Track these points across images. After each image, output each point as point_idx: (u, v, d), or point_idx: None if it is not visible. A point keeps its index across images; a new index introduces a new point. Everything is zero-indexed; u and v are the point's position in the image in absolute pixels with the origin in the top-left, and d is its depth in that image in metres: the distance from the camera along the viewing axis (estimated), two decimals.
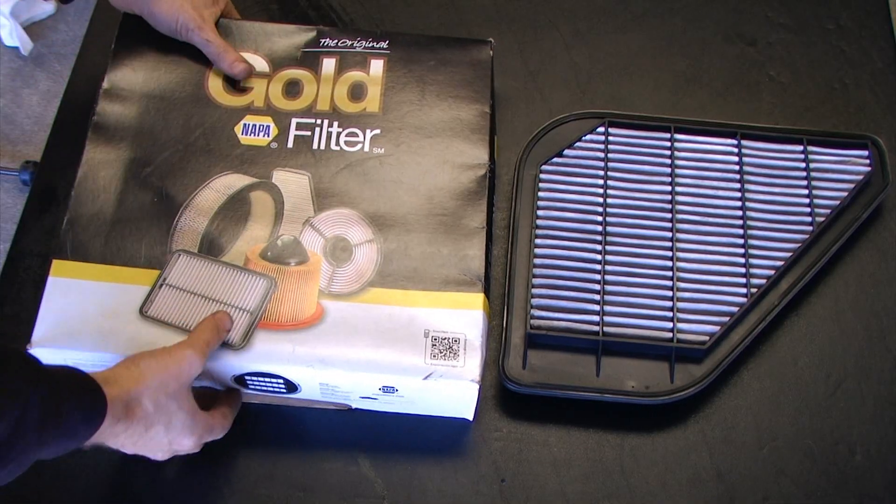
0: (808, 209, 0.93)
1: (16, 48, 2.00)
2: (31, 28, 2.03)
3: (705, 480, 0.84)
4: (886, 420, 0.87)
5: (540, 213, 0.93)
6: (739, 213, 0.93)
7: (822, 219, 0.93)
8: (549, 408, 0.87)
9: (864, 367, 0.89)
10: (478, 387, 0.79)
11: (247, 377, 0.81)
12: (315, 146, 0.88)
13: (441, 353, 0.79)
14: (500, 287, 0.92)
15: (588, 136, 0.97)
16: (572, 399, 0.86)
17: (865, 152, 0.97)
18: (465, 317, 0.80)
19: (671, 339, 0.86)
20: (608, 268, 0.90)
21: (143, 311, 0.80)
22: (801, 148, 0.97)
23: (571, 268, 0.90)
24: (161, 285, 0.81)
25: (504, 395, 0.87)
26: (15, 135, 1.93)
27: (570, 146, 0.97)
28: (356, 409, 0.85)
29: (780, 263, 0.90)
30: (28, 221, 0.96)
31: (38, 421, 0.62)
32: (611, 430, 0.86)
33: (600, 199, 0.93)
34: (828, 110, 1.04)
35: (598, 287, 0.89)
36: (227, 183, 0.87)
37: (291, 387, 0.82)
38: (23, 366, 0.64)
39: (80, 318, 0.79)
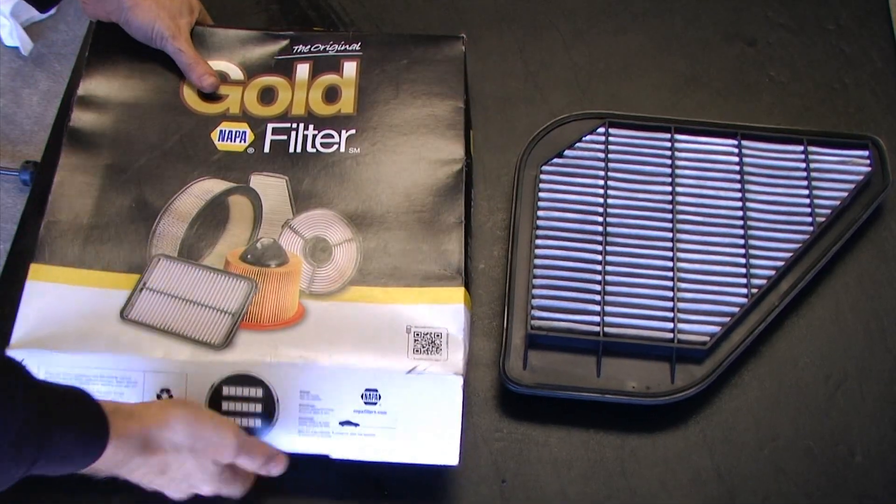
0: (808, 209, 0.93)
1: (16, 48, 2.00)
2: (31, 28, 2.03)
3: (705, 480, 0.84)
4: (886, 420, 0.87)
5: (540, 213, 0.93)
6: (740, 213, 0.93)
7: (822, 219, 0.93)
8: (549, 408, 0.87)
9: (864, 367, 0.89)
10: (462, 381, 0.78)
11: (224, 390, 0.79)
12: (291, 149, 0.89)
13: (424, 347, 0.79)
14: (501, 287, 0.92)
15: (588, 137, 0.97)
16: (573, 399, 0.86)
17: (865, 152, 0.97)
18: (447, 311, 0.80)
19: (672, 340, 0.86)
20: (609, 268, 0.90)
21: (123, 315, 0.80)
22: (801, 148, 0.97)
23: (572, 268, 0.90)
24: (142, 289, 0.82)
25: (504, 395, 0.87)
26: (15, 135, 1.93)
27: (571, 146, 0.97)
28: (335, 459, 0.80)
29: (780, 264, 0.90)
30: (28, 221, 0.96)
31: (14, 438, 0.61)
32: (611, 431, 0.86)
33: (601, 200, 0.93)
34: (828, 110, 1.04)
35: (598, 287, 0.89)
36: (205, 188, 0.87)
37: (269, 408, 0.79)
38: (12, 381, 0.63)
39: (60, 320, 0.80)
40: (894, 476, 0.84)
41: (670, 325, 0.87)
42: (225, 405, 0.79)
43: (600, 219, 0.92)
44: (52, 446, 0.64)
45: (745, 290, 0.89)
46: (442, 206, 0.86)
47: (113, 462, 0.69)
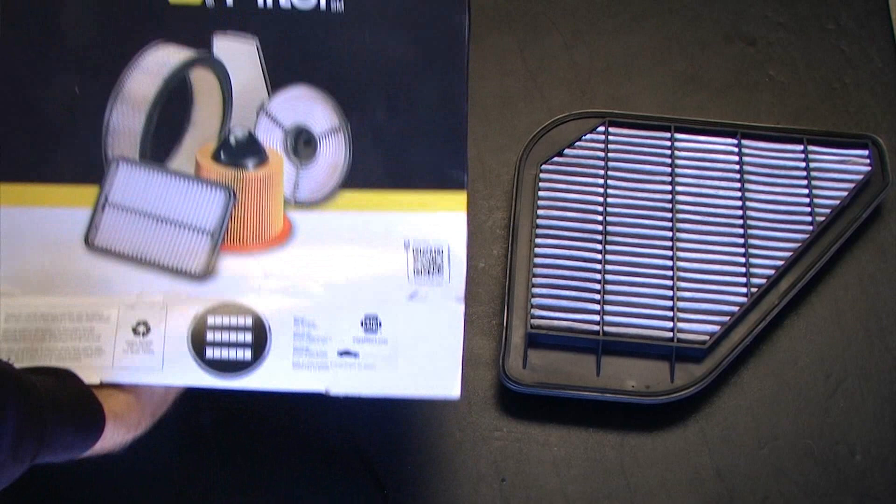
0: (808, 209, 0.93)
1: None
2: None
3: (705, 480, 0.84)
4: (886, 420, 0.87)
5: (540, 212, 0.93)
6: (739, 212, 0.93)
7: (822, 218, 0.93)
8: (549, 407, 0.87)
9: (864, 367, 0.89)
10: (463, 308, 0.72)
11: (209, 320, 0.71)
12: (261, 3, 0.74)
13: (424, 268, 0.72)
14: (501, 286, 0.92)
15: (588, 136, 0.97)
16: (572, 399, 0.86)
17: (865, 152, 0.97)
18: (447, 220, 0.73)
19: (671, 339, 0.86)
20: (608, 267, 0.90)
21: (88, 241, 0.71)
22: (801, 148, 0.97)
23: (572, 267, 0.90)
24: (104, 206, 0.71)
25: (504, 394, 0.87)
26: None
27: (571, 146, 0.97)
28: (334, 395, 0.74)
29: (780, 263, 0.90)
30: None
31: (11, 443, 0.59)
32: (611, 430, 0.86)
33: (600, 199, 0.93)
34: (828, 110, 1.04)
35: (598, 287, 0.89)
36: (159, 60, 0.73)
37: (260, 339, 0.71)
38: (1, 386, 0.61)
39: (18, 254, 0.70)
40: (894, 476, 0.84)
41: (670, 324, 0.87)
42: (210, 336, 0.71)
43: (600, 218, 0.92)
44: (51, 442, 0.63)
45: (744, 290, 0.89)
46: (439, 83, 0.75)
47: (112, 440, 0.68)
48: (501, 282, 0.92)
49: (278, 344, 0.71)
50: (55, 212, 0.71)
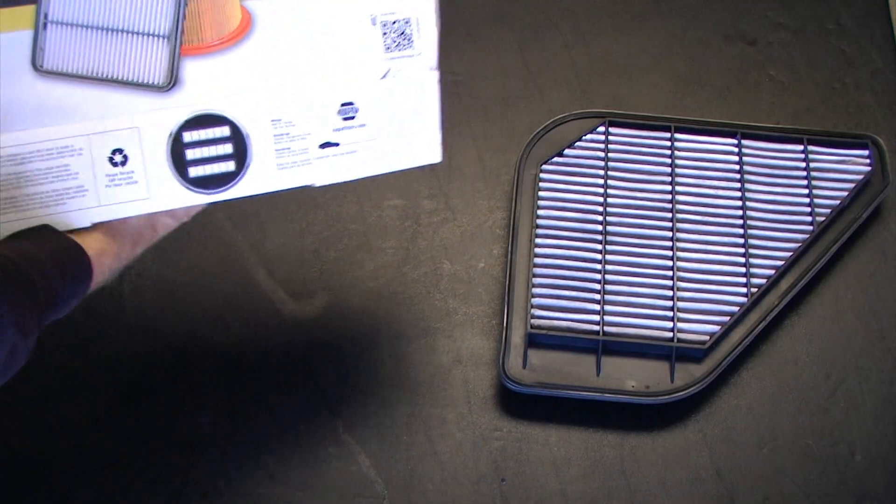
0: (808, 209, 0.93)
1: None
2: None
3: (705, 480, 0.84)
4: (886, 420, 0.87)
5: (540, 212, 0.93)
6: (740, 212, 0.93)
7: (822, 219, 0.93)
8: (549, 407, 0.87)
9: (864, 367, 0.89)
10: (437, 75, 0.71)
11: (185, 137, 0.69)
12: None
13: (395, 43, 0.71)
14: (501, 286, 0.92)
15: (588, 136, 0.97)
16: (572, 399, 0.86)
17: (865, 152, 0.97)
18: None
19: (671, 339, 0.86)
20: (608, 267, 0.90)
21: (36, 65, 0.66)
22: (801, 148, 0.97)
23: (572, 267, 0.90)
24: (45, 24, 0.66)
25: (504, 394, 0.87)
26: None
27: (571, 146, 0.97)
28: (319, 187, 0.73)
29: (780, 263, 0.90)
30: None
31: (15, 320, 0.59)
32: (611, 430, 0.86)
33: (601, 199, 0.93)
34: (828, 110, 1.04)
35: (598, 287, 0.89)
36: None
37: (240, 147, 0.70)
38: None
39: None
40: (894, 476, 0.84)
41: (670, 324, 0.87)
42: (189, 153, 0.70)
43: (600, 218, 0.92)
44: (50, 302, 0.63)
45: (744, 290, 0.89)
46: None
47: (102, 275, 0.67)
48: (501, 282, 0.92)
49: (259, 150, 0.71)
50: None
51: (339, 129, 0.72)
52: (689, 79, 1.06)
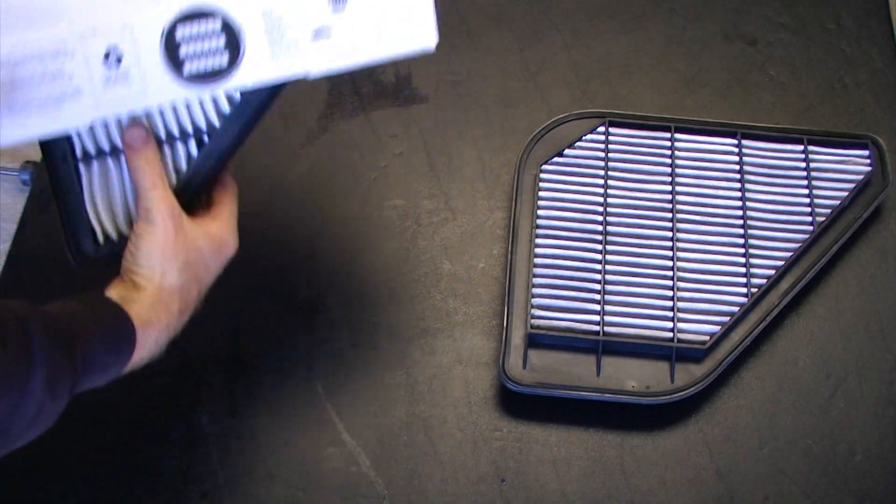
0: (808, 209, 0.93)
1: None
2: None
3: (705, 480, 0.84)
4: (886, 420, 0.87)
5: (540, 212, 0.93)
6: (740, 212, 0.93)
7: (822, 219, 0.93)
8: (549, 407, 0.87)
9: (864, 367, 0.89)
10: None
11: (177, 35, 0.69)
12: None
13: None
14: (501, 287, 0.92)
15: (588, 136, 0.97)
16: (573, 399, 0.86)
17: (865, 152, 0.97)
18: None
19: (671, 339, 0.86)
20: (608, 267, 0.90)
21: None
22: (801, 148, 0.97)
23: (572, 268, 0.90)
24: None
25: (504, 394, 0.87)
26: None
27: (571, 146, 0.97)
28: (314, 76, 0.73)
29: (780, 263, 0.90)
30: (28, 221, 0.96)
31: (45, 383, 0.58)
32: (611, 430, 0.86)
33: (601, 199, 0.93)
34: (828, 110, 1.04)
35: (598, 287, 0.89)
36: None
37: (233, 41, 0.70)
38: (19, 337, 0.58)
39: None
40: (894, 476, 0.84)
41: (670, 324, 0.87)
42: (183, 50, 0.70)
43: (600, 218, 0.92)
44: (86, 369, 0.62)
45: (744, 290, 0.89)
46: None
47: (147, 348, 0.67)
48: (501, 282, 0.92)
49: (253, 44, 0.70)
50: None
51: (330, 16, 0.71)
52: (689, 79, 1.06)
